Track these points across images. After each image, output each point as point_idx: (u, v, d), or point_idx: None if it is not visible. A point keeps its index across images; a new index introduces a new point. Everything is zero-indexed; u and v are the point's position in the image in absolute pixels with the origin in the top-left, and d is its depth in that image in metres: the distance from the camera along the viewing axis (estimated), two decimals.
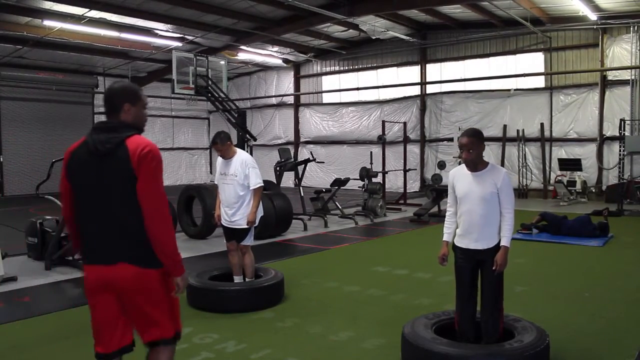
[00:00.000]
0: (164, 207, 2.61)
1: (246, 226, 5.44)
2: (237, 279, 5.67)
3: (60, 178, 2.75)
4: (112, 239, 2.61)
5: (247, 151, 11.01)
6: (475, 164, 3.78)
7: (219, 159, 5.56)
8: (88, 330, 4.78)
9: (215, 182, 5.64)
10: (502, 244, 3.72)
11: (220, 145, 5.39)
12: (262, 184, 5.52)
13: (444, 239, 3.99)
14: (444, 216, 4.08)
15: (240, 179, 5.37)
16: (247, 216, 5.41)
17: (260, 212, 5.62)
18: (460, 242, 3.86)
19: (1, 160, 18.73)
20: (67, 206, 2.78)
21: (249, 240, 5.54)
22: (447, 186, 4.17)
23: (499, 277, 3.77)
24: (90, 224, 2.66)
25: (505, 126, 16.83)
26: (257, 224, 5.54)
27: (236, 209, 5.42)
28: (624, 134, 14.61)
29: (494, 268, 3.69)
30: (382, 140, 14.30)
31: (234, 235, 5.54)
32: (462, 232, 3.85)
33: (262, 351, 4.24)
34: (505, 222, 3.73)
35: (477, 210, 3.74)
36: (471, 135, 3.79)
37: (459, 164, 4.01)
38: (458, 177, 3.90)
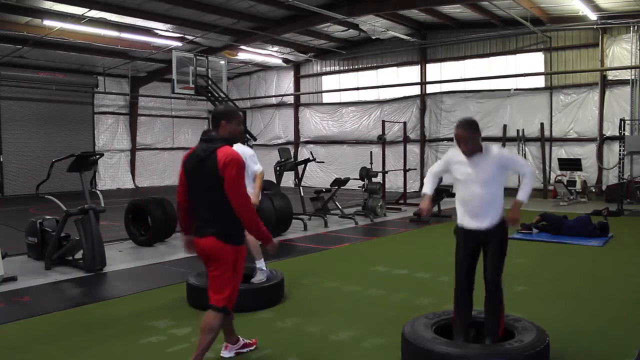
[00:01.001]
0: (245, 198, 3.53)
1: None
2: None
3: (179, 172, 3.82)
4: (205, 220, 3.58)
5: None
6: (474, 152, 3.80)
7: None
8: (88, 330, 4.81)
9: None
10: (517, 197, 3.80)
11: None
12: (262, 169, 5.77)
13: (426, 191, 4.11)
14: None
15: None
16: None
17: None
18: (464, 223, 3.90)
19: (1, 160, 18.73)
20: (180, 193, 3.82)
21: None
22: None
23: (501, 256, 3.81)
24: (195, 208, 3.68)
25: (505, 126, 16.83)
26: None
27: None
28: (624, 133, 14.62)
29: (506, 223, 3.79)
30: (382, 140, 14.29)
31: None
32: (465, 214, 3.88)
33: (262, 351, 4.24)
34: (524, 179, 3.86)
35: (478, 194, 3.78)
36: (467, 127, 3.79)
37: None
38: (456, 161, 3.91)
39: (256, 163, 5.73)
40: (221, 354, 4.08)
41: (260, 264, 5.64)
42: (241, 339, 4.17)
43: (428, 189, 4.12)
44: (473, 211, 3.81)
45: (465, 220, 3.88)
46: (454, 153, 3.94)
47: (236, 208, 3.48)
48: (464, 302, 3.90)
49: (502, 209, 3.84)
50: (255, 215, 3.60)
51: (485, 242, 3.83)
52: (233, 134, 3.74)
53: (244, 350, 4.15)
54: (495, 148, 3.86)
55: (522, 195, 3.79)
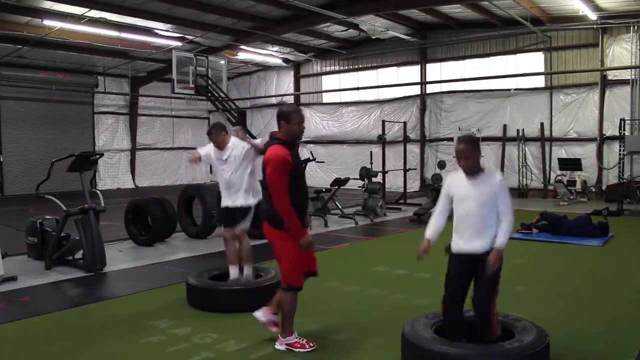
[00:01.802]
0: (278, 192, 3.92)
1: (246, 205, 5.54)
2: (233, 269, 5.60)
3: None
4: (267, 205, 4.08)
5: None
6: (473, 171, 3.79)
7: (213, 149, 5.66)
8: (88, 330, 4.81)
9: (209, 164, 5.84)
10: (495, 245, 3.70)
11: (216, 136, 5.55)
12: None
13: (426, 236, 3.97)
14: None
15: (237, 161, 5.56)
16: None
17: (258, 195, 5.69)
18: (457, 247, 3.85)
19: (1, 160, 18.73)
20: None
21: (246, 224, 5.61)
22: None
23: (493, 279, 3.74)
24: (263, 196, 4.45)
25: (505, 126, 16.83)
26: (255, 202, 5.65)
27: (236, 189, 5.58)
28: (624, 133, 14.61)
29: (486, 270, 3.68)
30: (382, 140, 14.29)
31: (234, 218, 5.59)
32: (460, 235, 3.85)
33: (262, 351, 4.24)
34: (502, 225, 3.73)
35: (474, 213, 3.75)
36: (469, 142, 3.79)
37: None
38: (455, 183, 3.91)
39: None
40: (276, 346, 4.28)
41: (247, 270, 5.66)
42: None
43: (428, 233, 3.99)
44: (469, 231, 3.77)
45: (459, 243, 3.83)
46: (452, 178, 3.96)
47: (272, 197, 3.92)
48: (453, 319, 3.87)
49: (496, 233, 3.76)
50: (289, 210, 3.90)
51: (481, 262, 3.74)
52: (291, 134, 4.10)
53: (295, 350, 4.21)
54: (499, 175, 3.85)
55: (502, 243, 3.69)
